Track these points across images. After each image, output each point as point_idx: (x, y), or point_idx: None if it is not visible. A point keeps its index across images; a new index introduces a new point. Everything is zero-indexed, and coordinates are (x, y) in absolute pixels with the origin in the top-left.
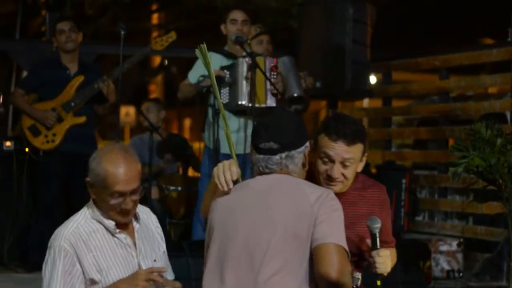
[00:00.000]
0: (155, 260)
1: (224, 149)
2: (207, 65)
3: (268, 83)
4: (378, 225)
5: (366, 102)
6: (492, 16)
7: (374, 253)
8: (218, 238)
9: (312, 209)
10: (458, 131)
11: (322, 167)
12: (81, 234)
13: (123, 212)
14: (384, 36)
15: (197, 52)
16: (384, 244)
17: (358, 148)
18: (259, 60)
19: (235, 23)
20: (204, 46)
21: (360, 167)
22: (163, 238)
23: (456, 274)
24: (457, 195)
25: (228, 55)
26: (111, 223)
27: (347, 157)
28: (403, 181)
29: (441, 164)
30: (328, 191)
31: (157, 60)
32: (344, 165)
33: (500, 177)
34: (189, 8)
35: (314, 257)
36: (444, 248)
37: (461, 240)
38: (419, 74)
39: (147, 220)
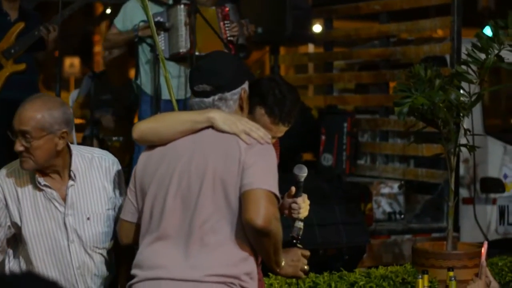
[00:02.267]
0: (88, 218)
1: (165, 95)
2: (145, 8)
3: (223, 32)
4: (305, 174)
5: (311, 47)
6: None
7: (300, 199)
8: (152, 189)
9: (241, 154)
10: (398, 75)
11: None
12: (14, 178)
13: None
14: None
15: None
16: None
17: None
18: (211, 11)
19: None
20: None
21: None
22: (120, 193)
23: (398, 216)
24: (398, 138)
25: (156, 1)
26: (36, 176)
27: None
28: (345, 125)
29: (382, 108)
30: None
31: (99, 8)
32: None
33: (443, 116)
34: None
35: (242, 204)
36: (385, 190)
37: (402, 182)
38: (360, 22)
39: (96, 176)
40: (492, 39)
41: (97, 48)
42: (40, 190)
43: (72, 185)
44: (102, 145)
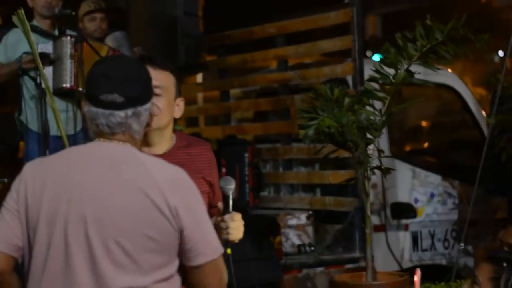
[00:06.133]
0: None
1: (53, 131)
2: (26, 32)
3: None
4: (233, 186)
5: (199, 77)
6: None
7: (227, 217)
8: (51, 219)
9: (170, 212)
10: (299, 99)
11: None
12: None
13: None
14: (218, 8)
15: (15, 19)
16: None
17: (166, 75)
18: (101, 47)
19: None
20: (22, 12)
21: (177, 113)
22: None
23: (308, 248)
24: (302, 166)
25: (41, 32)
26: None
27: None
28: (246, 155)
29: (284, 136)
30: (181, 176)
31: None
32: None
33: (351, 138)
34: None
35: (191, 276)
36: (293, 222)
37: (310, 212)
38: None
39: None
40: (400, 53)
41: None
42: None
43: None
44: None
